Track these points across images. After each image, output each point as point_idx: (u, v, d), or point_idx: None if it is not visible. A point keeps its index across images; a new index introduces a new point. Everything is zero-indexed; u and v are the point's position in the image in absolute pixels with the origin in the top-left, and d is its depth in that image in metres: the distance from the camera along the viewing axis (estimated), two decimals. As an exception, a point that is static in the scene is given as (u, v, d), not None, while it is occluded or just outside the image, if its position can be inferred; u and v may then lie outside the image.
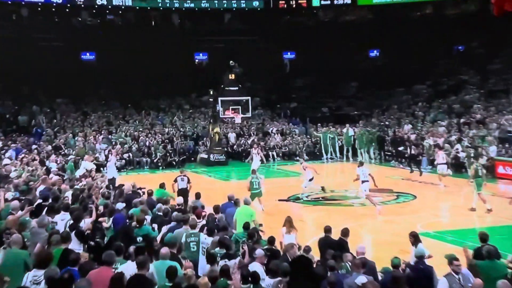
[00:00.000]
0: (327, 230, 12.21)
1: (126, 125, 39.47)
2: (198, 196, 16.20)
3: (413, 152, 30.11)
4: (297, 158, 33.41)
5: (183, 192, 18.77)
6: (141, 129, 38.33)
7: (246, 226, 12.52)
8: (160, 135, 37.25)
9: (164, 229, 12.72)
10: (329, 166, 34.07)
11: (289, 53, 50.83)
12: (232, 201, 15.00)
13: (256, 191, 19.87)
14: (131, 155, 34.28)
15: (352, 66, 48.08)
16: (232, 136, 38.39)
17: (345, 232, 12.02)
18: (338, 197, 22.60)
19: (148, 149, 35.05)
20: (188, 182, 19.49)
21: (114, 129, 38.47)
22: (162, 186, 18.06)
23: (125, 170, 32.43)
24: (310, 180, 22.36)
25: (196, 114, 43.27)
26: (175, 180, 19.37)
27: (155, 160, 33.99)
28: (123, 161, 33.27)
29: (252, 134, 38.37)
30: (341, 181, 27.19)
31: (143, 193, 17.15)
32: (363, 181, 20.07)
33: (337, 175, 31.31)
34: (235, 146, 37.44)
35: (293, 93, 48.78)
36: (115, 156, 25.18)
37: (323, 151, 36.24)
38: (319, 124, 39.45)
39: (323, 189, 22.76)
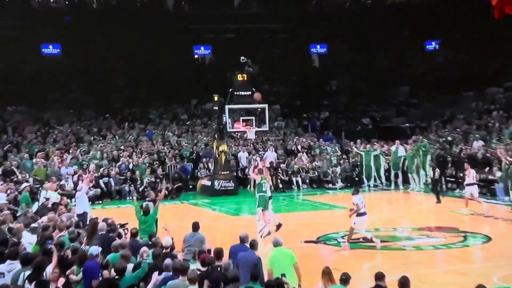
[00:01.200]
0: (379, 277, 12.10)
1: (102, 141, 39.62)
2: (196, 227, 16.32)
3: (436, 176, 30.51)
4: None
5: None
6: (122, 147, 38.41)
7: (254, 274, 12.46)
8: (148, 155, 37.27)
9: (155, 279, 12.60)
10: (372, 196, 33.84)
11: (318, 46, 51.01)
12: (246, 243, 14.80)
13: (264, 196, 19.79)
14: (109, 181, 34.33)
15: (404, 63, 48.04)
16: (243, 156, 38.38)
17: (404, 283, 11.83)
18: (385, 237, 22.38)
19: (131, 173, 35.12)
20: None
21: (86, 147, 38.51)
22: (146, 211, 18.36)
23: (100, 202, 32.41)
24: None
25: (196, 127, 43.46)
26: (141, 207, 19.60)
27: (140, 189, 33.92)
28: (98, 190, 33.29)
29: (270, 151, 38.08)
30: (388, 216, 27.06)
31: (126, 231, 17.11)
32: (361, 214, 20.52)
33: (382, 209, 31.14)
34: (247, 170, 37.35)
35: (324, 98, 48.81)
36: (87, 184, 25.13)
37: (364, 176, 36.19)
38: (358, 140, 39.26)
39: (278, 227, 22.29)
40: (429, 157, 34.19)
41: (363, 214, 20.62)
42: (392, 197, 32.32)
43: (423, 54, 50.74)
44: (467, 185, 27.05)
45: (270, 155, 36.68)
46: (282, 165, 36.91)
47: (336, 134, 43.55)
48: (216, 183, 34.59)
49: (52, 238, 15.50)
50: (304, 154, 38.98)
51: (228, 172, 35.46)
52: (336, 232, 23.13)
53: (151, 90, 45.57)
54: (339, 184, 36.59)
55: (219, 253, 13.81)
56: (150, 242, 15.20)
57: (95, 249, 13.54)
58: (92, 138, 40.47)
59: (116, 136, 40.90)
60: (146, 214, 18.39)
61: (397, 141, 36.42)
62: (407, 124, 44.41)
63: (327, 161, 37.95)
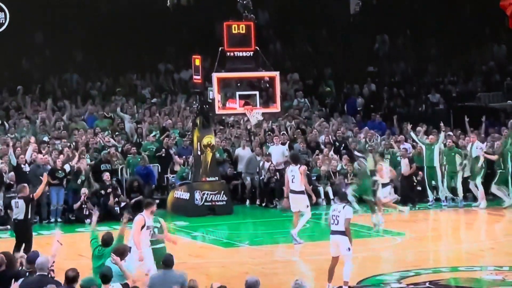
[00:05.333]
0: None
1: (12, 130, 39.43)
2: (168, 262, 16.54)
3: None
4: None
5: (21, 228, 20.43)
6: (46, 139, 38.23)
7: None
8: (85, 152, 36.89)
9: None
10: (444, 216, 34.28)
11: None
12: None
13: (159, 247, 20.51)
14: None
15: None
16: (242, 153, 38.46)
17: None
18: (467, 281, 22.52)
19: (64, 181, 35.04)
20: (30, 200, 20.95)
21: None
22: (107, 241, 18.39)
23: (7, 227, 31.97)
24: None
25: (167, 107, 43.82)
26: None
27: (76, 205, 33.91)
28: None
29: (275, 145, 38.10)
30: (469, 250, 27.41)
31: (52, 273, 16.93)
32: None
33: (460, 238, 31.30)
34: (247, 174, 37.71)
35: (369, 63, 49.25)
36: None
37: (428, 185, 35.96)
38: (419, 128, 38.61)
39: None
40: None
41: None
42: (472, 218, 32.31)
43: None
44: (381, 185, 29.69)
45: (276, 151, 36.90)
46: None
47: (387, 119, 43.52)
48: (197, 195, 34.59)
49: None
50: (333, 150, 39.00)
51: (216, 178, 35.47)
52: (389, 274, 23.14)
53: (92, 49, 45.75)
54: (392, 196, 36.22)
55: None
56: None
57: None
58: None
59: (36, 122, 40.36)
60: (106, 245, 18.32)
61: (472, 134, 35.87)
62: (503, 103, 44.50)
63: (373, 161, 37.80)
